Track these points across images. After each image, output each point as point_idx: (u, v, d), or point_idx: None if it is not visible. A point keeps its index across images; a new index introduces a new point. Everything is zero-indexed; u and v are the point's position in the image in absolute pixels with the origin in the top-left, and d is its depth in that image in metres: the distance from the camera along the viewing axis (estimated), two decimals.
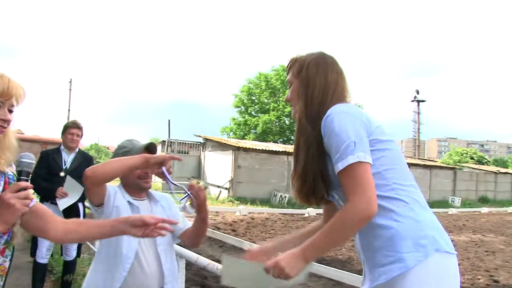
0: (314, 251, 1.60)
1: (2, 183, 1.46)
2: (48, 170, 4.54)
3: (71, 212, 4.40)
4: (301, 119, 1.79)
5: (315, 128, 1.72)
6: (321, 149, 1.70)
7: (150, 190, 2.46)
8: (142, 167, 2.00)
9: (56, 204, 4.40)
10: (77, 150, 4.71)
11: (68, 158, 4.62)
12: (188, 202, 2.10)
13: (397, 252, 1.59)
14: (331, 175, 1.70)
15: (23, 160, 1.44)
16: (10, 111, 1.49)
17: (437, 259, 1.58)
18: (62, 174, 4.52)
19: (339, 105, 1.71)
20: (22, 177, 1.40)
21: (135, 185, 2.32)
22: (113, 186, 2.26)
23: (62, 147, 4.67)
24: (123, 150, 2.32)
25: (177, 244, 2.76)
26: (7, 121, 1.47)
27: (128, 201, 2.27)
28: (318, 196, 1.78)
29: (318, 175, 1.72)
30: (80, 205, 4.65)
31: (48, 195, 4.49)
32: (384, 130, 1.73)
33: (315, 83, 1.78)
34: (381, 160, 1.66)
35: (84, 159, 4.72)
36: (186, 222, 2.43)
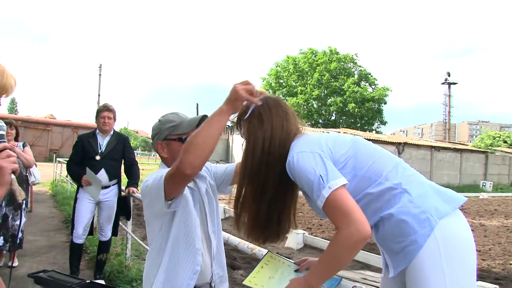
0: (318, 279, 1.64)
1: None
2: (84, 154, 4.65)
3: (122, 208, 4.59)
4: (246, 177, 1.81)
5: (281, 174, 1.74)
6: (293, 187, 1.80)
7: None
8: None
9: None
10: (111, 132, 4.79)
11: (103, 142, 4.72)
12: None
13: (407, 236, 1.61)
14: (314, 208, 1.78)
15: None
16: None
17: (441, 226, 1.61)
18: (98, 157, 4.62)
19: (293, 148, 1.72)
20: None
21: None
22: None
23: (97, 131, 4.77)
24: (169, 125, 2.00)
25: None
26: None
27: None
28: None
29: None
30: (114, 197, 4.80)
31: (78, 181, 4.68)
32: (340, 140, 1.78)
33: (263, 135, 1.77)
34: (357, 166, 1.69)
35: (119, 141, 4.81)
36: (225, 167, 2.21)
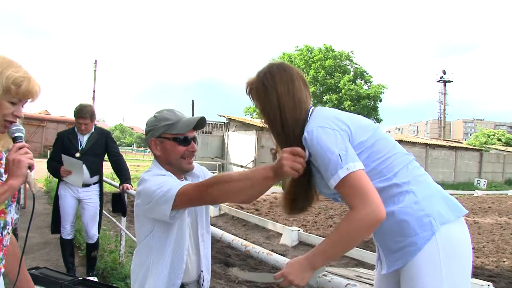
0: (323, 259, 1.61)
1: (4, 160, 1.67)
2: (63, 152, 4.54)
3: (117, 206, 4.54)
4: (280, 147, 1.76)
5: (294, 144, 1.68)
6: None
7: None
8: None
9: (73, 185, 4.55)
10: (92, 130, 4.68)
11: (83, 138, 4.62)
12: None
13: (407, 237, 1.60)
14: (319, 188, 1.78)
15: (13, 128, 1.63)
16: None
17: (444, 232, 1.60)
18: (77, 154, 4.52)
19: (312, 120, 1.69)
20: (17, 140, 1.61)
21: (177, 166, 1.99)
22: (161, 174, 1.91)
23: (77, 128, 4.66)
24: (165, 123, 1.96)
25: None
26: (19, 118, 1.65)
27: None
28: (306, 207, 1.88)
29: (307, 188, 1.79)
30: (96, 198, 4.75)
31: (57, 175, 4.59)
32: (363, 125, 1.72)
33: (270, 105, 1.73)
34: (371, 156, 1.66)
35: (101, 135, 4.72)
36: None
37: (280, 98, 1.71)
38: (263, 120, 1.80)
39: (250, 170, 1.69)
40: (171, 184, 1.75)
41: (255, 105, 1.82)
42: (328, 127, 1.63)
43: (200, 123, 1.98)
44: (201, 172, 2.17)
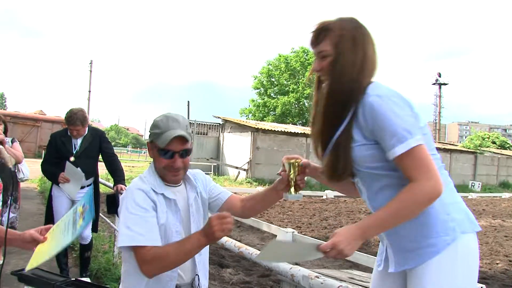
0: (377, 229, 1.59)
1: None
2: (57, 155, 4.50)
3: (111, 206, 4.51)
4: (332, 94, 1.71)
5: (346, 105, 1.68)
6: (350, 127, 1.68)
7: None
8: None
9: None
10: (85, 133, 4.60)
11: (77, 141, 4.56)
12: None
13: (428, 238, 1.61)
14: (357, 155, 1.69)
15: None
16: None
17: (463, 240, 1.62)
18: (72, 159, 4.46)
19: (381, 87, 1.67)
20: None
21: (162, 176, 1.99)
22: (141, 190, 1.90)
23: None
24: (154, 131, 1.96)
25: None
26: None
27: (163, 195, 1.95)
28: (348, 173, 1.75)
29: (350, 152, 1.69)
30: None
31: (54, 180, 4.52)
32: (419, 115, 1.71)
33: (351, 58, 1.69)
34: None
35: (95, 137, 4.65)
36: (224, 192, 2.21)
37: (364, 58, 1.71)
38: (324, 65, 1.74)
39: (185, 240, 1.80)
40: (132, 233, 1.80)
41: (323, 48, 1.75)
42: (399, 99, 1.63)
43: (180, 138, 1.91)
44: (202, 181, 2.17)
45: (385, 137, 1.59)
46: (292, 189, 1.99)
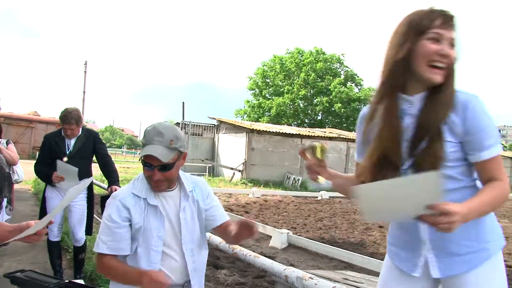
0: (473, 215, 1.52)
1: None
2: (51, 155, 4.50)
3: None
4: (451, 86, 1.64)
5: None
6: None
7: (184, 175, 2.16)
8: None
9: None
10: (79, 133, 4.59)
11: (71, 141, 4.55)
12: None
13: (480, 242, 1.60)
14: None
15: None
16: None
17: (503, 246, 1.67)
18: (65, 159, 4.44)
19: (469, 93, 1.65)
20: None
21: (148, 182, 2.05)
22: (119, 199, 2.04)
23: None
24: (142, 140, 2.03)
25: None
26: None
27: (146, 200, 2.02)
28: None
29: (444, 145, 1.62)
30: (83, 200, 4.69)
31: (48, 180, 4.52)
32: None
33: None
34: None
35: (89, 137, 4.64)
36: (222, 214, 2.21)
37: None
38: (452, 54, 1.62)
39: (132, 271, 1.96)
40: (98, 240, 2.03)
41: (455, 36, 1.63)
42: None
43: (156, 155, 1.92)
44: (200, 191, 2.19)
45: (482, 138, 1.57)
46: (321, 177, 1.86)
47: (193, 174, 2.27)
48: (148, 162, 1.96)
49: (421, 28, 1.59)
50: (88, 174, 4.72)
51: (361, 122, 1.84)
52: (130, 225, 2.01)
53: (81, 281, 4.29)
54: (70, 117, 4.43)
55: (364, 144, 1.79)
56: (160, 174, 1.96)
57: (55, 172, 4.39)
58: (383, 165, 1.64)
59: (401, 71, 1.63)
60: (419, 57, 1.59)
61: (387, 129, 1.66)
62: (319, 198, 16.80)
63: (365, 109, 1.85)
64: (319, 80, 40.96)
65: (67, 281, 2.35)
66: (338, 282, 3.81)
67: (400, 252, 1.78)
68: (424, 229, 1.67)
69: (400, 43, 1.62)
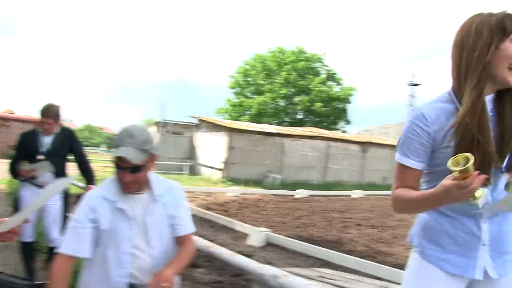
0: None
1: None
2: (26, 154, 4.43)
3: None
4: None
5: None
6: None
7: (156, 179, 2.17)
8: None
9: (37, 185, 4.40)
10: (56, 131, 4.53)
11: (47, 140, 4.47)
12: None
13: None
14: None
15: None
16: None
17: None
18: (40, 157, 4.37)
19: None
20: None
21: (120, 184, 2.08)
22: (88, 200, 2.09)
23: (40, 128, 4.51)
24: (114, 142, 2.06)
25: None
26: None
27: (114, 202, 2.05)
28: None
29: None
30: (59, 200, 4.61)
31: (18, 176, 4.47)
32: None
33: None
34: None
35: (66, 136, 4.60)
36: (183, 226, 2.19)
37: None
38: None
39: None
40: (62, 239, 2.11)
41: None
42: None
43: (126, 156, 1.94)
44: (173, 197, 2.19)
45: None
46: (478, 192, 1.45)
47: (173, 173, 2.27)
48: (119, 164, 1.97)
49: (505, 31, 1.58)
50: (64, 172, 4.65)
51: (425, 124, 1.68)
52: (95, 227, 2.02)
53: None
54: (49, 110, 4.42)
55: (429, 148, 1.69)
56: (131, 176, 1.98)
57: (21, 169, 4.31)
58: (483, 169, 1.53)
59: (486, 74, 1.61)
60: (500, 59, 1.58)
61: (485, 133, 1.60)
62: (298, 196, 16.86)
63: (425, 110, 1.72)
64: (300, 79, 41.11)
65: (39, 282, 2.32)
66: (314, 279, 3.82)
67: (451, 256, 1.69)
68: (485, 230, 1.65)
69: (486, 45, 1.59)
